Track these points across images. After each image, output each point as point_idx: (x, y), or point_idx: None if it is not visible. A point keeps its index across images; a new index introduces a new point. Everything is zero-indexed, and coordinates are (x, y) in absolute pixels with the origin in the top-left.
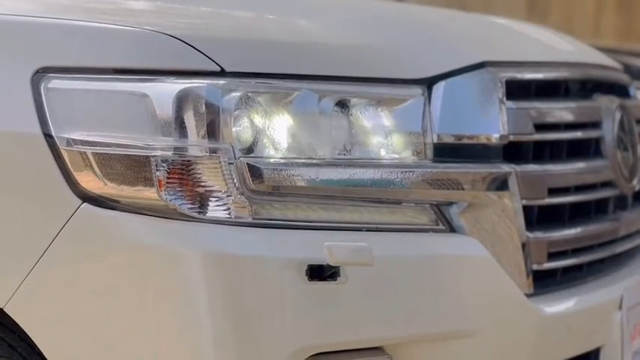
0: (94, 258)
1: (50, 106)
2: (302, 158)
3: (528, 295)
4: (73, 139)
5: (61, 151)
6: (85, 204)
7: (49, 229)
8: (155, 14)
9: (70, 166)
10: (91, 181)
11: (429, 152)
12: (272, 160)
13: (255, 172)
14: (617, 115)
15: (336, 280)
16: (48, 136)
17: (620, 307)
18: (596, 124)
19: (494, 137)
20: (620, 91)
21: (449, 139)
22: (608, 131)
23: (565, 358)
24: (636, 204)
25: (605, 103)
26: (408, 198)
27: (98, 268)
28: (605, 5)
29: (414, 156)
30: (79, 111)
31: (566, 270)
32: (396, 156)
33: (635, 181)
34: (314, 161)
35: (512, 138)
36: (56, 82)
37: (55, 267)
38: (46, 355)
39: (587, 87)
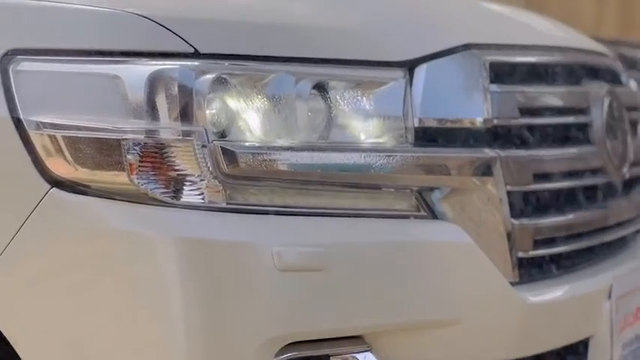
0: (63, 244)
1: (19, 89)
2: (278, 142)
3: (514, 284)
4: (42, 123)
5: (30, 134)
6: (54, 189)
7: (17, 214)
8: None
9: (38, 151)
10: (60, 166)
11: (410, 136)
12: (247, 144)
13: (229, 155)
14: (607, 101)
15: None
16: (16, 120)
17: (610, 297)
18: (584, 110)
19: (478, 121)
20: (611, 77)
21: (431, 123)
22: (597, 117)
23: (552, 348)
24: (626, 192)
25: (594, 88)
26: (387, 183)
27: (68, 255)
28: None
29: (395, 140)
30: (49, 94)
31: (554, 258)
32: (376, 140)
33: (624, 169)
34: (290, 145)
35: (496, 122)
36: (25, 65)
37: (24, 253)
38: (12, 343)
39: (576, 72)
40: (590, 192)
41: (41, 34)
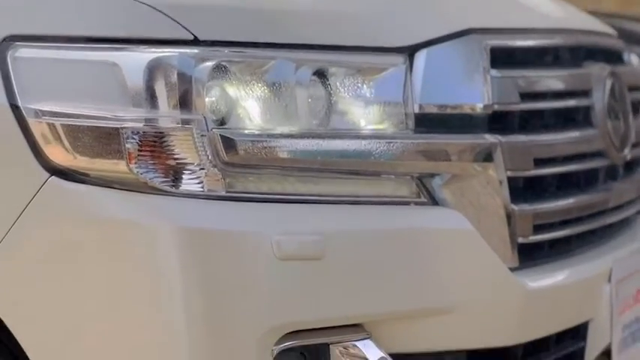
0: (62, 232)
1: (17, 76)
2: (277, 129)
3: (514, 269)
4: (41, 111)
5: (29, 122)
6: (53, 177)
7: (17, 203)
8: None
9: (37, 138)
10: (59, 154)
11: (411, 123)
12: (246, 132)
13: (228, 144)
14: (608, 83)
15: None
16: (14, 107)
17: (610, 280)
18: (586, 93)
19: (478, 107)
20: (613, 57)
21: (431, 109)
22: (599, 100)
23: (552, 332)
24: (628, 173)
25: (596, 70)
26: (388, 170)
27: (67, 243)
28: None
29: (395, 127)
30: (47, 81)
31: (554, 242)
32: (376, 127)
33: (626, 151)
34: (290, 133)
35: (496, 107)
36: (24, 51)
37: (23, 242)
38: (11, 329)
39: (577, 54)
40: (591, 175)
41: (40, 20)
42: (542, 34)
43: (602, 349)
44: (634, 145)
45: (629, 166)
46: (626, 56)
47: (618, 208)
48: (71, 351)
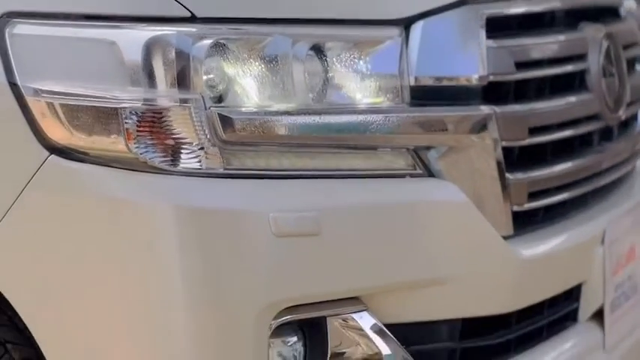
0: (62, 211)
1: (15, 54)
2: (275, 106)
3: (508, 237)
4: (40, 89)
5: (27, 100)
6: (52, 155)
7: (17, 181)
8: None
9: (36, 117)
10: (58, 132)
11: (406, 95)
12: (243, 110)
13: (226, 121)
14: (604, 45)
15: None
16: (13, 85)
17: (603, 242)
18: (581, 57)
19: (474, 78)
20: (609, 14)
21: (427, 82)
22: (594, 63)
23: (546, 297)
24: (622, 132)
25: (592, 32)
26: (384, 143)
27: (67, 222)
28: None
29: (391, 100)
30: (46, 59)
31: (549, 207)
32: (372, 100)
33: (621, 111)
34: (287, 108)
35: (492, 78)
36: (22, 28)
37: (23, 219)
38: (14, 305)
39: (573, 16)
40: (586, 138)
41: None
42: None
43: (596, 309)
44: (629, 104)
45: (624, 124)
46: (622, 11)
47: (613, 167)
48: (72, 324)
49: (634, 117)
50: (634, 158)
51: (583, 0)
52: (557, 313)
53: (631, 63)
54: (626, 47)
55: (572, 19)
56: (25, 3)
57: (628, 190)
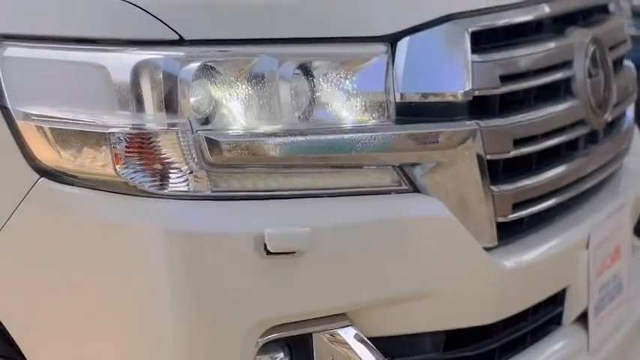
0: (52, 232)
1: (5, 76)
2: (261, 127)
3: (493, 248)
4: (30, 113)
5: (18, 124)
6: (42, 178)
7: (8, 203)
8: None
9: (27, 140)
10: (48, 156)
11: (392, 112)
12: (230, 132)
13: (213, 144)
14: (590, 50)
15: (294, 252)
16: (3, 108)
17: (587, 247)
18: (567, 63)
19: (459, 94)
20: (598, 12)
21: (412, 98)
22: (580, 69)
23: (530, 305)
24: (608, 133)
25: (578, 37)
26: (370, 161)
27: (57, 243)
28: None
29: (377, 118)
30: (36, 81)
31: (533, 216)
32: (359, 118)
33: (606, 115)
34: (274, 130)
35: (477, 93)
36: (12, 50)
37: (14, 240)
38: (5, 325)
39: (560, 21)
40: (572, 143)
41: (27, 19)
42: (525, 7)
43: (581, 311)
44: (616, 105)
45: (610, 124)
46: (612, 6)
47: (599, 169)
48: (60, 341)
49: (621, 116)
50: (620, 157)
51: (570, 4)
52: (541, 318)
53: (619, 61)
54: (613, 47)
55: (559, 24)
56: (16, 26)
57: (615, 189)
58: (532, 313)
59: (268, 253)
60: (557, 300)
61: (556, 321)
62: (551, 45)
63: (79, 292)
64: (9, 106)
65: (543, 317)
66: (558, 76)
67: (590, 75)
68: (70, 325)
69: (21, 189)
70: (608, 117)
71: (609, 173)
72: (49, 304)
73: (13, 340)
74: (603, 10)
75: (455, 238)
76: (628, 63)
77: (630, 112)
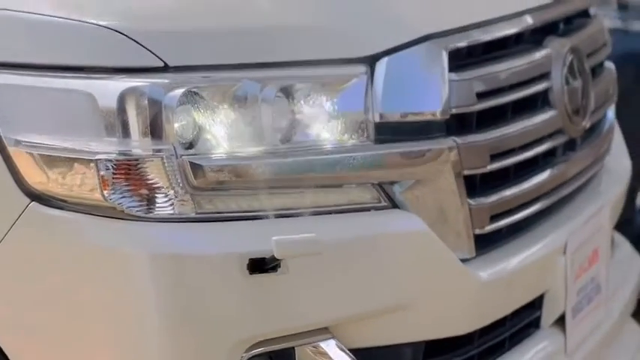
0: (43, 255)
1: None
2: (244, 150)
3: (471, 259)
4: (20, 140)
5: (9, 150)
6: (33, 202)
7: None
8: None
9: (18, 166)
10: (38, 181)
11: (372, 132)
12: (214, 156)
13: (197, 169)
14: (568, 59)
15: (277, 271)
16: None
17: (565, 252)
18: (545, 75)
19: (436, 112)
20: (579, 16)
21: (391, 117)
22: (557, 79)
23: (508, 312)
24: (586, 139)
25: (556, 48)
26: (349, 180)
27: (47, 266)
28: None
29: (357, 137)
30: (25, 109)
31: (510, 226)
32: (339, 139)
33: (584, 122)
34: (256, 152)
35: (454, 111)
36: (2, 78)
37: (5, 262)
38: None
39: (539, 32)
40: (550, 152)
41: (16, 48)
42: (502, 22)
43: (559, 315)
44: (594, 111)
45: (589, 129)
46: (592, 10)
47: (577, 175)
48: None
49: (601, 119)
50: (601, 160)
51: (549, 14)
52: (519, 323)
53: (598, 65)
54: (592, 53)
55: (539, 33)
56: (5, 55)
57: (595, 191)
58: (510, 319)
59: (251, 272)
60: (535, 305)
61: (534, 324)
62: (529, 58)
63: (68, 312)
64: (0, 133)
65: (521, 322)
66: (536, 88)
67: (567, 84)
68: (61, 344)
69: (13, 212)
70: (587, 124)
71: (589, 176)
72: (40, 324)
73: None
74: (584, 14)
75: (432, 252)
76: (609, 65)
77: (611, 113)
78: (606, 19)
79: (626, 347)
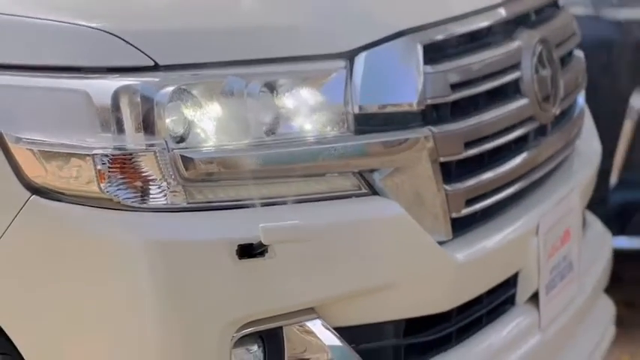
0: (44, 245)
1: None
2: (232, 143)
3: (448, 241)
4: (21, 137)
5: (10, 147)
6: (34, 196)
7: (2, 219)
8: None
9: (19, 161)
10: (38, 175)
11: (352, 123)
12: (204, 149)
13: (188, 161)
14: (537, 50)
15: (264, 256)
16: None
17: (537, 233)
18: (515, 65)
19: (413, 103)
20: (548, 7)
21: (370, 109)
22: (527, 70)
23: (483, 291)
24: (557, 124)
25: (526, 39)
26: (332, 169)
27: (48, 255)
28: None
29: (337, 129)
30: (26, 107)
31: (485, 209)
32: (321, 131)
33: (554, 109)
34: (243, 145)
35: (429, 102)
36: (3, 79)
37: (8, 253)
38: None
39: (510, 25)
40: (521, 139)
41: (16, 50)
42: (475, 16)
43: (533, 292)
44: (564, 98)
45: (560, 115)
46: (561, 1)
47: (549, 159)
48: (53, 340)
49: (571, 105)
50: (572, 143)
51: (519, 7)
52: (495, 300)
53: (568, 54)
54: (561, 43)
55: (510, 25)
56: (6, 56)
57: (566, 173)
58: (486, 296)
59: (240, 257)
60: (510, 282)
61: (509, 301)
62: (500, 50)
63: (69, 296)
64: (2, 131)
65: (497, 299)
66: (507, 78)
67: (537, 73)
68: (62, 326)
69: (15, 205)
70: (557, 111)
71: (561, 160)
72: (43, 308)
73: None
74: (553, 5)
75: (410, 236)
76: (578, 54)
77: (581, 98)
78: (578, 7)
79: (598, 320)
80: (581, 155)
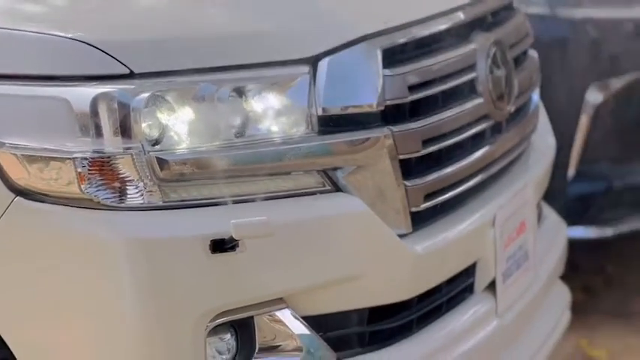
0: (28, 244)
1: None
2: (203, 145)
3: (408, 234)
4: (4, 142)
5: None
6: (18, 197)
7: None
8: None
9: (3, 165)
10: (22, 178)
11: (315, 124)
12: (177, 151)
13: (163, 163)
14: (492, 52)
15: (235, 250)
16: None
17: (494, 225)
18: (471, 66)
19: (373, 105)
20: (505, 9)
21: (332, 111)
22: (482, 70)
23: (442, 280)
24: (512, 121)
25: (481, 41)
26: (296, 168)
27: (32, 253)
28: None
29: (302, 130)
30: (9, 114)
31: (443, 203)
32: (287, 132)
33: (509, 107)
34: (214, 147)
35: (388, 103)
36: None
37: None
38: None
39: (467, 27)
40: (478, 136)
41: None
42: (433, 20)
43: (490, 280)
44: (518, 96)
45: (515, 112)
46: (515, 3)
47: (505, 154)
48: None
49: (526, 102)
50: (527, 139)
51: (477, 10)
52: (454, 289)
53: (522, 54)
54: (515, 44)
55: (466, 28)
56: None
57: (522, 167)
58: (446, 285)
59: (213, 252)
60: (468, 272)
61: (468, 290)
62: (456, 52)
63: (53, 291)
64: None
65: (456, 288)
66: (463, 79)
67: (491, 75)
68: (47, 321)
69: (0, 207)
70: (511, 108)
71: (516, 155)
72: (29, 305)
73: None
74: (508, 7)
75: (372, 230)
76: (532, 53)
77: (535, 96)
78: (535, 6)
79: (554, 306)
80: (536, 150)
